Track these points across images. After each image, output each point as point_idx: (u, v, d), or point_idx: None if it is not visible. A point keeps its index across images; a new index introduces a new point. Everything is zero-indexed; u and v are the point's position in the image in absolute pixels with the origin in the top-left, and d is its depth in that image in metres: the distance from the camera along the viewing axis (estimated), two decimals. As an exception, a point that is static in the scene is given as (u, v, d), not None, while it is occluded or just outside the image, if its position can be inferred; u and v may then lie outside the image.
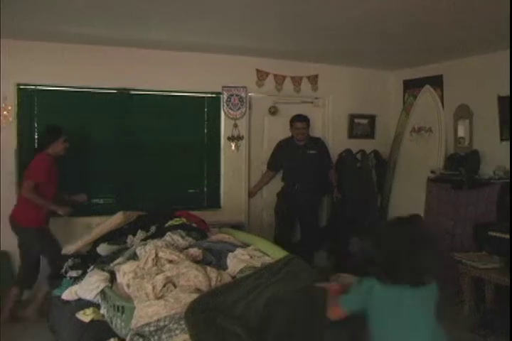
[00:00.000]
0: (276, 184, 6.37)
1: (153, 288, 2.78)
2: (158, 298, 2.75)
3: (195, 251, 3.31)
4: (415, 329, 2.33)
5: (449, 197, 5.77)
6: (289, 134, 6.22)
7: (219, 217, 5.99)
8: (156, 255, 3.10)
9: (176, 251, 3.17)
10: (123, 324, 2.84)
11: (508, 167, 5.44)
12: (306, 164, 6.07)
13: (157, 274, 2.89)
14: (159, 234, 3.68)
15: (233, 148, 6.24)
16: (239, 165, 6.31)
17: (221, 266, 3.26)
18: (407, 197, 6.42)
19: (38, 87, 5.43)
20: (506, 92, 5.46)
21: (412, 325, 2.32)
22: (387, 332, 2.31)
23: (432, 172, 6.10)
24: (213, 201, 6.25)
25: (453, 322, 4.82)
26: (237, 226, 5.67)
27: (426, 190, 6.06)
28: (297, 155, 6.10)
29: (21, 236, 4.72)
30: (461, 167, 5.76)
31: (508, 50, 5.38)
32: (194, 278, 2.85)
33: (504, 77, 5.46)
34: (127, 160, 5.81)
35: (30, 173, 4.66)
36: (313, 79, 6.65)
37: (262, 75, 6.35)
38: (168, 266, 3.00)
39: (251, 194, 6.41)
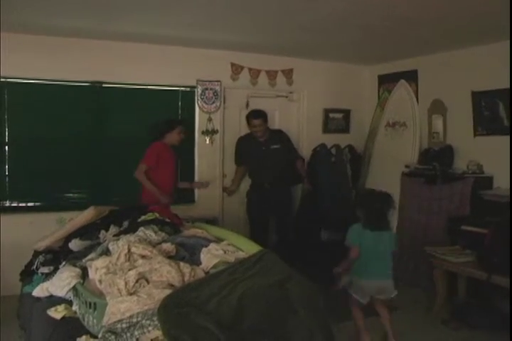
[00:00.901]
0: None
1: (126, 283, 2.75)
2: (130, 294, 2.72)
3: (168, 246, 3.28)
4: (383, 257, 4.15)
5: (422, 191, 5.84)
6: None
7: (193, 211, 5.94)
8: (129, 250, 3.06)
9: (148, 247, 3.14)
10: (95, 321, 2.81)
11: (481, 162, 5.54)
12: (272, 160, 6.01)
13: (130, 270, 2.85)
14: (132, 229, 3.63)
15: (208, 142, 6.23)
16: (213, 160, 6.30)
17: (194, 261, 3.23)
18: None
19: (8, 80, 5.34)
20: (480, 88, 5.55)
21: (380, 254, 4.12)
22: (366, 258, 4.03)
23: (406, 166, 6.17)
24: (187, 195, 6.21)
25: (426, 315, 4.91)
26: (212, 221, 5.68)
27: (400, 185, 6.12)
28: (260, 153, 6.05)
29: None
30: (435, 161, 5.83)
31: (480, 46, 5.51)
32: (167, 274, 2.83)
33: (478, 73, 5.57)
34: (100, 154, 5.76)
35: (144, 158, 5.32)
36: (289, 74, 6.66)
37: (236, 69, 6.34)
38: (140, 261, 2.96)
39: (230, 193, 6.38)
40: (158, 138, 5.44)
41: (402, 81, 6.53)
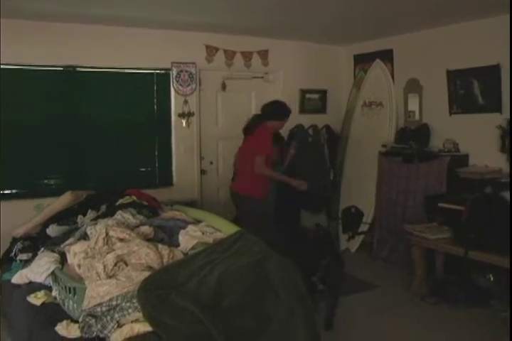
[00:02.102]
0: (230, 160, 6.28)
1: (104, 267, 2.76)
2: (109, 277, 2.73)
3: (146, 229, 3.29)
4: None
5: (400, 170, 5.88)
6: (242, 109, 6.19)
7: (172, 194, 5.92)
8: (107, 234, 3.07)
9: (126, 230, 3.14)
10: (75, 305, 2.81)
11: (457, 140, 5.59)
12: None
13: (108, 253, 2.86)
14: (110, 213, 3.64)
15: (184, 124, 6.19)
16: (190, 142, 6.28)
17: (173, 243, 3.25)
18: (360, 171, 6.51)
19: (-22, 65, 5.24)
20: (455, 66, 5.59)
21: None
22: None
23: (383, 146, 6.20)
24: (165, 179, 6.22)
25: (405, 291, 4.98)
26: (191, 204, 5.62)
27: (377, 164, 6.16)
28: None
29: (248, 206, 4.97)
30: (411, 140, 5.85)
31: (455, 25, 5.53)
32: (145, 256, 2.84)
33: (453, 52, 5.61)
34: (76, 139, 5.70)
35: (261, 148, 4.81)
36: (264, 55, 6.63)
37: (211, 51, 6.28)
38: (119, 244, 2.97)
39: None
40: (265, 120, 4.97)
41: (378, 60, 6.52)
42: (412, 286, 5.00)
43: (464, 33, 5.52)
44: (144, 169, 6.14)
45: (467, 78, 5.49)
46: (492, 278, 4.63)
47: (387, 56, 6.47)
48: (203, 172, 6.44)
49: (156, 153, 6.16)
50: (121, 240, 3.04)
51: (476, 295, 4.63)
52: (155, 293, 2.55)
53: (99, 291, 2.65)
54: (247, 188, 4.95)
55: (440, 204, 5.15)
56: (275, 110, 5.03)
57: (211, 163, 6.53)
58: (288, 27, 5.94)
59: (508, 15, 4.87)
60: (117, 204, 3.83)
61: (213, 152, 6.54)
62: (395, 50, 6.41)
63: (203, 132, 6.40)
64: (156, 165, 6.18)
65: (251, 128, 5.04)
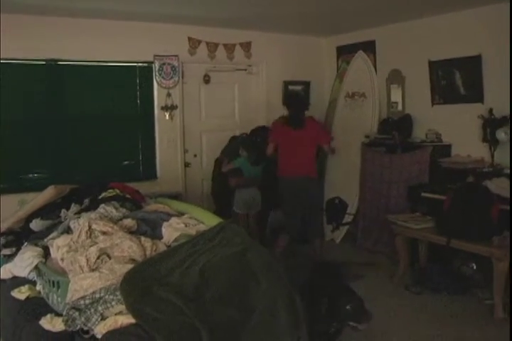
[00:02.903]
0: (214, 152, 6.37)
1: (87, 260, 2.76)
2: (92, 271, 2.73)
3: (129, 221, 3.29)
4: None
5: (383, 160, 5.92)
6: (225, 101, 6.22)
7: (156, 187, 5.94)
8: (90, 227, 3.06)
9: (109, 223, 3.14)
10: (59, 299, 2.81)
11: (439, 130, 5.64)
12: None
13: (91, 246, 2.86)
14: (93, 206, 3.63)
15: (167, 117, 6.18)
16: (174, 135, 6.28)
17: (156, 235, 3.25)
18: (343, 161, 6.53)
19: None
20: (436, 57, 5.62)
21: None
22: None
23: (366, 136, 6.23)
24: (149, 172, 6.22)
25: (389, 280, 5.02)
26: (175, 197, 5.59)
27: (361, 155, 6.19)
28: None
29: (313, 187, 5.60)
30: (394, 131, 5.88)
31: (437, 16, 5.56)
32: (128, 249, 2.84)
33: (435, 42, 5.63)
34: (59, 133, 5.69)
35: (327, 136, 5.83)
36: (247, 47, 6.63)
37: (194, 43, 6.27)
38: (101, 237, 2.97)
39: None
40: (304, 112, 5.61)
41: (360, 52, 6.53)
42: (396, 276, 5.03)
43: (446, 24, 5.54)
44: (127, 162, 6.13)
45: (449, 69, 5.52)
46: (475, 267, 4.68)
47: (369, 47, 6.49)
48: (186, 165, 6.45)
49: (140, 146, 6.16)
50: (104, 233, 3.04)
51: (459, 283, 4.68)
52: (138, 286, 2.55)
53: (82, 284, 2.65)
54: (314, 171, 5.57)
55: (423, 194, 5.21)
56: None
57: (195, 155, 6.54)
58: (270, 19, 5.94)
59: (488, 7, 4.97)
60: (100, 197, 3.81)
61: (197, 145, 6.54)
62: (378, 41, 6.43)
63: (187, 125, 6.39)
64: (140, 158, 6.18)
65: (300, 120, 5.47)
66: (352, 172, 6.34)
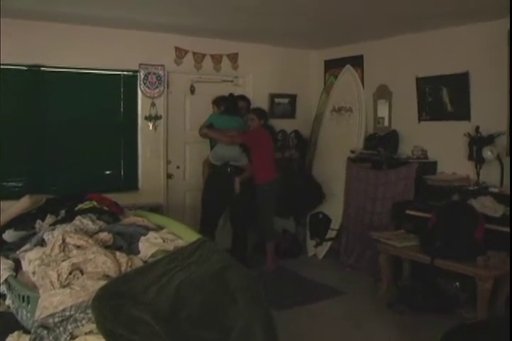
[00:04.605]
0: (197, 164, 6.30)
1: (59, 275, 2.64)
2: (63, 287, 2.62)
3: (105, 235, 3.16)
4: None
5: (368, 176, 5.88)
6: (211, 112, 6.09)
7: (136, 199, 5.83)
8: (63, 240, 2.95)
9: (84, 236, 3.02)
10: (29, 315, 2.70)
11: (425, 147, 5.62)
12: None
13: (63, 261, 2.75)
14: (68, 218, 3.51)
15: (151, 127, 6.08)
16: (157, 146, 6.17)
17: (132, 250, 3.13)
18: (328, 176, 6.48)
19: None
20: (424, 73, 5.62)
21: None
22: None
23: (352, 151, 6.18)
24: (131, 182, 6.10)
25: (371, 299, 4.95)
26: (156, 209, 5.61)
27: (346, 170, 6.15)
28: None
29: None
30: (380, 147, 5.87)
31: (425, 32, 5.56)
32: (102, 264, 2.73)
33: (422, 59, 5.64)
34: (39, 141, 5.55)
35: None
36: (234, 58, 6.58)
37: (180, 53, 6.20)
38: (75, 252, 2.85)
39: None
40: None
41: (348, 66, 6.51)
42: (379, 294, 4.97)
43: (434, 41, 5.54)
44: (108, 172, 6.01)
45: (436, 85, 5.51)
46: (458, 286, 4.61)
47: (357, 62, 6.48)
48: (169, 176, 6.34)
49: (122, 156, 6.04)
50: (78, 247, 2.92)
51: (443, 302, 4.61)
52: (110, 303, 2.44)
53: (52, 301, 2.54)
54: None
55: (408, 212, 5.16)
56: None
57: (178, 167, 6.43)
58: (258, 30, 5.91)
59: (478, 24, 4.99)
60: (77, 209, 3.70)
61: (180, 156, 6.44)
62: (366, 56, 6.42)
63: (170, 136, 6.30)
64: (122, 168, 6.06)
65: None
66: (336, 187, 6.29)
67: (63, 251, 2.91)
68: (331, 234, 6.37)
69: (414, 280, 4.98)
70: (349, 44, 6.53)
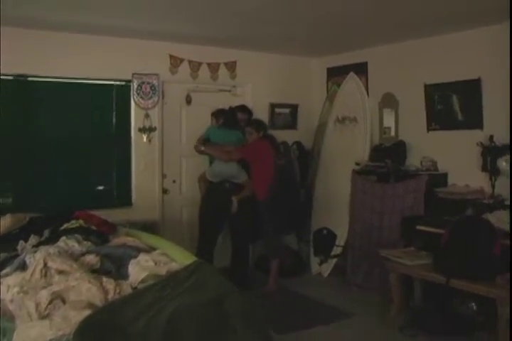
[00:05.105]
0: (194, 178, 6.08)
1: (37, 305, 2.43)
2: (42, 318, 2.41)
3: (91, 258, 2.98)
4: None
5: (375, 189, 5.72)
6: (208, 124, 5.96)
7: (130, 215, 5.65)
8: (45, 264, 2.75)
9: (68, 260, 2.83)
10: (5, 349, 2.49)
11: (435, 158, 5.47)
12: None
13: (43, 288, 2.54)
14: (53, 239, 3.35)
15: (145, 140, 5.92)
16: (151, 159, 6.00)
17: (121, 274, 2.96)
18: (332, 190, 6.33)
19: None
20: (433, 80, 5.48)
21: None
22: None
23: (357, 164, 6.03)
24: (124, 198, 5.92)
25: (381, 320, 4.73)
26: (151, 226, 5.51)
27: (351, 183, 5.99)
28: None
29: None
30: (387, 158, 5.71)
31: (433, 37, 5.44)
32: (86, 292, 2.52)
33: (431, 65, 5.51)
34: (27, 154, 5.36)
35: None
36: (231, 66, 6.44)
37: (175, 61, 6.06)
38: (57, 278, 2.65)
39: None
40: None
41: (352, 74, 6.37)
42: (389, 315, 4.73)
43: (443, 46, 5.41)
44: (100, 187, 5.84)
45: (446, 93, 5.37)
46: (475, 307, 4.38)
47: (361, 69, 6.35)
48: (164, 191, 6.17)
49: (114, 171, 5.88)
50: (60, 272, 2.73)
51: (459, 325, 4.37)
52: (94, 336, 2.24)
53: (29, 334, 2.32)
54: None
55: (418, 227, 4.95)
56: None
57: (174, 181, 6.25)
58: (257, 37, 5.79)
59: (489, 28, 4.84)
60: (62, 229, 3.52)
61: (176, 170, 6.27)
62: (370, 62, 6.29)
63: (166, 148, 6.14)
64: (114, 183, 5.89)
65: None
66: (341, 201, 6.11)
67: (44, 276, 2.72)
68: (336, 250, 6.19)
69: (427, 301, 4.77)
70: (352, 50, 6.41)
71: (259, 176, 5.63)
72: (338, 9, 4.49)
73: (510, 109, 4.75)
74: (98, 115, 5.76)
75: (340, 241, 6.17)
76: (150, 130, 5.94)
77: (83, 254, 3.13)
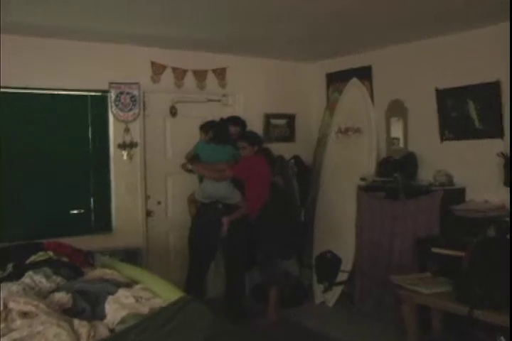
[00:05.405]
0: (182, 198, 6.03)
1: (-6, 356, 2.26)
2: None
3: (61, 296, 2.83)
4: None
5: (383, 207, 5.68)
6: (195, 137, 5.87)
7: (110, 241, 5.61)
8: (6, 306, 2.58)
9: (34, 299, 2.67)
10: None
11: (450, 171, 5.39)
12: None
13: (3, 336, 2.37)
14: (17, 274, 3.21)
15: (125, 157, 5.81)
16: (133, 178, 5.90)
17: (97, 314, 2.83)
18: (336, 208, 6.30)
19: None
20: (445, 85, 5.43)
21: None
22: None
23: (363, 179, 5.97)
24: (103, 223, 5.82)
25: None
26: (133, 253, 5.55)
27: (356, 201, 5.96)
28: None
29: None
30: (396, 172, 5.63)
31: (445, 36, 5.40)
32: (54, 338, 2.35)
33: (443, 67, 5.46)
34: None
35: None
36: (221, 73, 6.40)
37: (158, 69, 5.99)
38: (19, 322, 2.48)
39: None
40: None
41: (354, 79, 6.35)
42: (404, 352, 4.60)
43: (456, 45, 5.36)
44: (76, 211, 5.71)
45: (461, 98, 5.31)
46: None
47: (365, 74, 6.32)
48: (148, 213, 6.07)
49: (91, 192, 5.78)
50: (24, 315, 2.57)
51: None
52: None
53: None
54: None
55: (434, 250, 4.87)
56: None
57: (159, 202, 6.16)
58: (249, 41, 5.79)
59: (506, 24, 4.71)
60: (28, 262, 3.39)
61: (161, 190, 6.18)
62: (374, 66, 6.25)
63: (149, 166, 6.04)
64: (91, 206, 5.79)
65: None
66: (346, 221, 6.06)
67: (4, 320, 2.54)
68: (342, 276, 6.12)
69: (446, 334, 4.66)
70: (354, 53, 6.38)
71: (253, 195, 5.57)
72: (338, 7, 4.43)
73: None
74: (72, 130, 5.65)
75: (347, 265, 6.10)
76: (131, 146, 5.85)
77: (52, 291, 3.01)
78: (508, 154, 4.82)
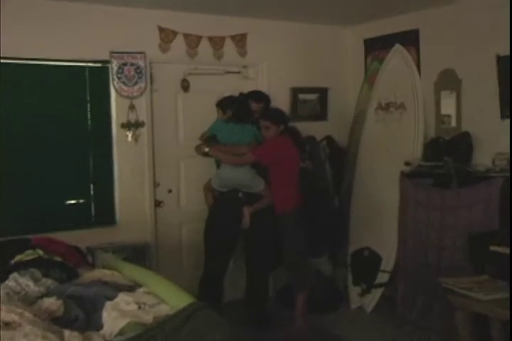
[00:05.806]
0: (197, 186, 6.06)
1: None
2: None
3: (51, 302, 2.85)
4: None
5: (431, 197, 5.63)
6: (212, 115, 5.91)
7: (114, 236, 5.65)
8: (-14, 315, 2.57)
9: (18, 307, 2.67)
10: None
11: None
12: None
13: (-19, 349, 2.34)
14: (0, 276, 3.21)
15: (130, 138, 5.84)
16: (139, 163, 5.93)
17: (93, 323, 2.85)
18: (375, 198, 6.33)
19: None
20: (508, 51, 5.29)
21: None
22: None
23: (407, 163, 5.95)
24: (105, 215, 5.88)
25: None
26: (141, 249, 5.60)
27: (399, 189, 5.92)
28: None
29: None
30: (446, 156, 5.59)
31: None
32: (38, 354, 2.33)
33: (506, 29, 5.27)
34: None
35: None
36: (241, 40, 6.42)
37: (167, 35, 6.00)
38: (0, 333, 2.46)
39: None
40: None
41: (398, 46, 6.32)
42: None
43: None
44: (73, 201, 5.75)
45: None
46: None
47: (410, 39, 6.29)
48: (157, 203, 6.12)
49: (91, 179, 5.81)
50: (7, 325, 2.56)
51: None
52: None
53: None
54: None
55: (492, 248, 4.75)
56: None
57: (169, 191, 6.21)
58: (273, 2, 5.70)
59: None
60: (13, 262, 3.41)
61: (173, 176, 6.23)
62: (422, 30, 6.20)
63: (158, 149, 6.09)
64: (92, 195, 5.83)
65: None
66: (387, 212, 6.07)
67: (-14, 330, 2.52)
68: (383, 277, 6.14)
69: (507, 345, 4.62)
70: (398, 15, 6.35)
71: (279, 183, 5.56)
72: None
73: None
74: (68, 107, 5.65)
75: (387, 265, 6.13)
76: (136, 125, 5.87)
77: (41, 297, 3.03)
78: None
